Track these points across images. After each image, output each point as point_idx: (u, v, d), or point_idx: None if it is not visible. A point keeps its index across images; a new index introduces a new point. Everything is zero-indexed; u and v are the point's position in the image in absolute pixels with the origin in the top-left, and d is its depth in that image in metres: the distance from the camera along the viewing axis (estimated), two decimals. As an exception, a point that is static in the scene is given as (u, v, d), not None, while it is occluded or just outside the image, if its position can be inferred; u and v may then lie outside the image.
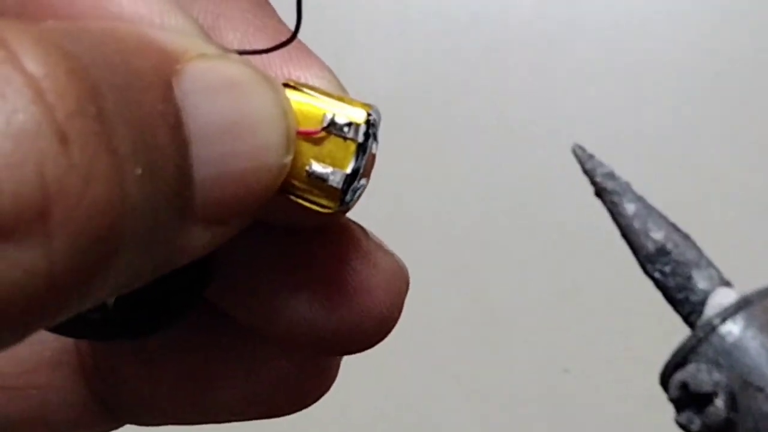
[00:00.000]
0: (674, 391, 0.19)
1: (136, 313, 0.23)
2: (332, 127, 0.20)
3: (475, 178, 0.70)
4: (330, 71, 0.22)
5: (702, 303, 0.21)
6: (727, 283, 0.21)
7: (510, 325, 0.68)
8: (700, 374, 0.19)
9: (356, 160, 0.20)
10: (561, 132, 0.72)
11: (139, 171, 0.16)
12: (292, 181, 0.20)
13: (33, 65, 0.16)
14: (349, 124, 0.20)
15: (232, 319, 0.24)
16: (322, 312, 0.23)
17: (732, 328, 0.19)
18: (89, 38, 0.17)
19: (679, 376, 0.19)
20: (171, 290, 0.22)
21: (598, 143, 0.78)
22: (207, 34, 0.21)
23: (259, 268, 0.23)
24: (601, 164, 0.22)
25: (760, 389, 0.19)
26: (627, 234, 0.22)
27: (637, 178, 0.78)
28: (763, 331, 0.19)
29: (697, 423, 0.19)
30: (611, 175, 0.22)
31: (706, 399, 0.19)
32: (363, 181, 0.21)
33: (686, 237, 0.21)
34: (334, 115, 0.20)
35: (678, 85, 0.71)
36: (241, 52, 0.21)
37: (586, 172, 0.22)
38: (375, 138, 0.21)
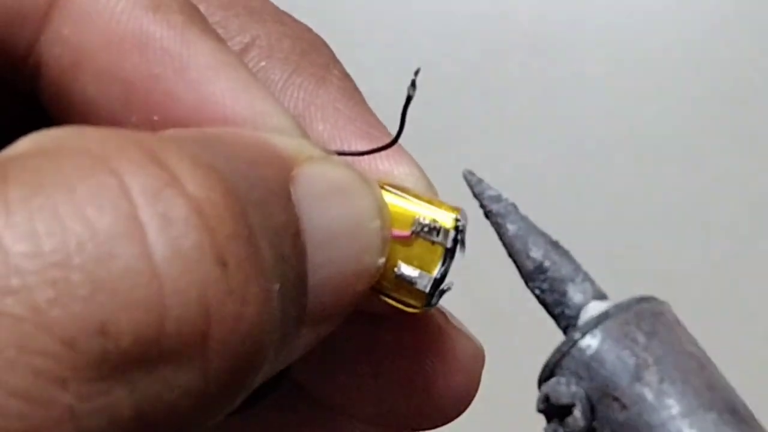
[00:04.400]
0: (540, 404, 0.21)
1: None
2: (421, 231, 0.21)
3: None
4: (419, 168, 0.23)
5: (576, 317, 0.22)
6: (602, 297, 0.23)
7: (510, 325, 0.69)
8: (559, 387, 0.20)
9: (443, 264, 0.21)
10: (561, 132, 0.72)
11: (277, 286, 0.17)
12: (381, 281, 0.20)
13: (194, 188, 0.15)
14: (438, 229, 0.21)
15: (313, 397, 0.24)
16: (403, 394, 0.23)
17: (591, 342, 0.20)
18: (224, 149, 0.17)
19: (543, 389, 0.21)
20: None
21: (598, 143, 0.78)
22: (305, 131, 0.21)
23: (344, 349, 0.23)
24: (489, 187, 0.23)
25: (616, 399, 0.20)
26: (510, 254, 0.23)
27: (638, 177, 0.79)
28: (619, 344, 0.20)
29: (559, 433, 0.20)
30: (497, 198, 0.23)
31: (567, 410, 0.20)
32: (448, 284, 0.21)
33: (565, 254, 0.23)
34: (423, 218, 0.21)
35: (679, 85, 0.71)
36: (341, 153, 0.21)
37: (475, 195, 0.23)
38: (463, 244, 0.21)
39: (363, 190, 0.20)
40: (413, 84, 0.21)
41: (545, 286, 0.22)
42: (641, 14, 0.71)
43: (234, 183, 0.16)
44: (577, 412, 0.20)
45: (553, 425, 0.21)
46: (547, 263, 0.22)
